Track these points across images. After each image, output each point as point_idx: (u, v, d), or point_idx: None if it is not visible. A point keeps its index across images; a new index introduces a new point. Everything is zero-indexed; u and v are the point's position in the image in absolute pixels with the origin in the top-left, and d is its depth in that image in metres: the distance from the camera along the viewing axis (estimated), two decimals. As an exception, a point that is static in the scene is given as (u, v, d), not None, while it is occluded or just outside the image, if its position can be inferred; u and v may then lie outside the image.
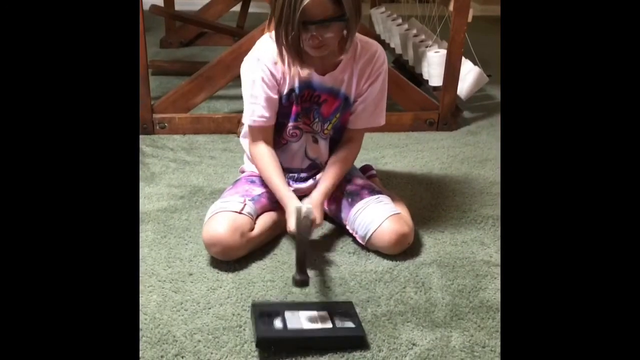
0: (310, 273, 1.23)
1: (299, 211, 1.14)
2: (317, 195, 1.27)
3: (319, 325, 1.04)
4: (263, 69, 1.23)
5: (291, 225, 1.17)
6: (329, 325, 1.05)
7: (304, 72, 1.23)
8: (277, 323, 1.03)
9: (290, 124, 1.31)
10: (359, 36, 1.25)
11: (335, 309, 1.09)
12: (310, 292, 1.17)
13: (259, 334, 1.00)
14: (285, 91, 1.26)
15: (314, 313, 1.07)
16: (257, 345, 1.01)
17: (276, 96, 1.26)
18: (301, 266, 1.12)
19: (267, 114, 1.26)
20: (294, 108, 1.28)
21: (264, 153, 1.28)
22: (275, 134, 1.33)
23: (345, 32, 1.15)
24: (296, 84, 1.25)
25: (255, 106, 1.25)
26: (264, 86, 1.24)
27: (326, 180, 1.30)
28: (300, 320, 1.05)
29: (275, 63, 1.22)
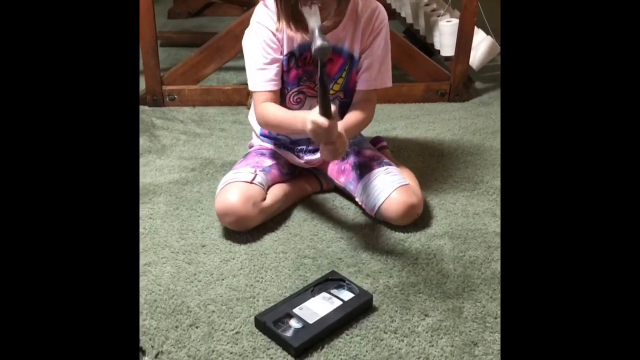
0: (322, 246, 1.24)
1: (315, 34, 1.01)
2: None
3: (332, 307, 1.04)
4: (264, 30, 1.22)
5: (312, 117, 1.08)
6: (338, 302, 1.05)
7: (299, 36, 1.22)
8: (295, 323, 1.00)
9: (293, 89, 1.30)
10: None
11: (328, 285, 1.09)
12: (322, 264, 1.18)
13: (294, 343, 0.95)
14: (286, 53, 1.25)
15: (317, 298, 1.06)
16: (297, 356, 0.96)
17: (281, 57, 1.25)
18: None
19: (275, 78, 1.25)
20: (293, 72, 1.27)
21: (270, 105, 1.26)
22: (279, 104, 1.33)
23: None
24: (296, 47, 1.24)
25: (262, 71, 1.24)
26: (268, 48, 1.23)
27: (342, 121, 1.25)
28: (314, 311, 1.03)
29: (276, 26, 1.21)
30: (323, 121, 1.07)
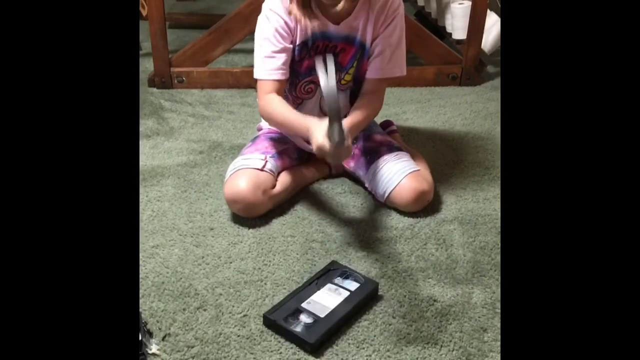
0: (330, 230, 1.23)
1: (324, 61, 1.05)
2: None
3: (340, 298, 1.02)
4: (277, 18, 1.19)
5: (318, 138, 1.08)
6: (345, 292, 1.03)
7: (315, 23, 1.19)
8: (305, 318, 0.98)
9: (305, 79, 1.28)
10: None
11: (331, 275, 1.07)
12: (331, 248, 1.17)
13: (310, 339, 0.93)
14: (298, 43, 1.23)
15: (323, 290, 1.04)
16: (313, 351, 0.94)
17: (291, 46, 1.22)
18: (337, 115, 1.03)
19: (283, 67, 1.22)
20: (306, 62, 1.25)
21: (275, 98, 1.22)
22: (290, 93, 1.31)
23: None
24: (309, 35, 1.22)
25: (271, 59, 1.21)
26: (278, 36, 1.20)
27: (348, 118, 1.23)
28: (323, 304, 1.01)
29: (289, 13, 1.19)
30: (327, 146, 1.06)
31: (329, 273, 1.08)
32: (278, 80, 1.22)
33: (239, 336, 0.96)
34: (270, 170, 1.26)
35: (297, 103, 1.33)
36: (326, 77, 1.02)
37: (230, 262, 1.13)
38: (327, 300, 1.02)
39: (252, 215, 1.24)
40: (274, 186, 1.26)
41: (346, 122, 1.15)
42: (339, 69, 1.27)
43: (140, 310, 1.01)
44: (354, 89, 1.33)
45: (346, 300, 1.02)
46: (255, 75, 1.24)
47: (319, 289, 1.04)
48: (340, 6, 1.16)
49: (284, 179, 1.30)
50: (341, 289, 1.04)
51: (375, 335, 0.97)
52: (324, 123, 1.06)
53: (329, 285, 1.05)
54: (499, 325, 1.00)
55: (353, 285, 1.05)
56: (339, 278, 1.07)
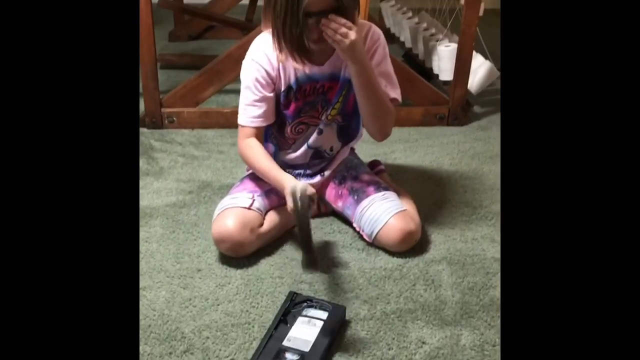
0: (319, 270, 1.23)
1: (294, 191, 1.10)
2: None
3: (317, 329, 1.02)
4: (257, 68, 1.23)
5: (290, 203, 1.13)
6: (319, 322, 1.03)
7: (301, 67, 1.21)
8: (291, 356, 0.97)
9: (294, 121, 1.30)
10: None
11: (298, 309, 1.07)
12: (319, 290, 1.17)
13: None
14: (283, 89, 1.25)
15: (297, 325, 1.03)
16: None
17: (271, 94, 1.25)
18: (307, 246, 1.10)
19: (262, 115, 1.25)
20: (293, 105, 1.27)
21: (254, 144, 1.26)
22: (281, 136, 1.33)
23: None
24: (292, 80, 1.24)
25: (251, 107, 1.25)
26: (259, 86, 1.23)
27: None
28: (303, 339, 1.00)
29: (271, 64, 1.21)
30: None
31: (294, 307, 1.07)
32: (257, 127, 1.26)
33: (225, 381, 0.95)
34: (258, 209, 1.27)
35: (290, 144, 1.34)
36: (298, 211, 1.10)
37: (218, 305, 1.12)
38: (305, 333, 1.02)
39: (239, 254, 1.24)
40: (261, 225, 1.27)
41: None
42: (327, 106, 1.29)
43: (126, 354, 0.99)
44: (342, 124, 1.34)
45: (323, 330, 1.02)
46: (238, 121, 1.28)
47: (292, 325, 1.04)
48: (325, 46, 1.18)
49: (271, 218, 1.30)
50: (314, 320, 1.04)
51: (363, 379, 0.96)
52: (294, 183, 1.12)
53: (300, 319, 1.05)
54: (488, 367, 0.99)
55: (323, 314, 1.05)
56: (306, 309, 1.07)
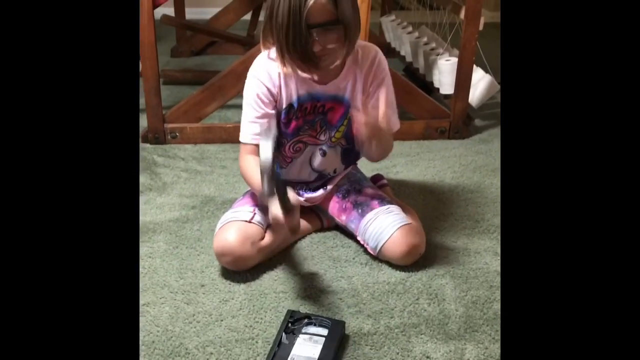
0: (322, 285, 1.23)
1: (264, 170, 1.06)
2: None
3: (319, 346, 1.02)
4: (259, 85, 1.23)
5: (272, 209, 1.09)
6: (321, 339, 1.04)
7: (303, 85, 1.22)
8: None
9: (293, 139, 1.31)
10: (357, 41, 1.25)
11: (298, 327, 1.06)
12: (323, 304, 1.17)
13: None
14: (284, 107, 1.26)
15: (300, 342, 1.03)
16: None
17: (273, 111, 1.25)
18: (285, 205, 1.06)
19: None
20: (293, 123, 1.28)
21: (253, 163, 1.24)
22: (279, 153, 1.33)
23: (346, 38, 1.13)
24: (294, 98, 1.25)
25: (253, 124, 1.25)
26: (260, 102, 1.24)
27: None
28: (307, 356, 1.00)
29: (273, 78, 1.22)
30: (280, 217, 1.08)
31: (294, 325, 1.07)
32: (257, 145, 1.25)
33: (229, 397, 0.95)
34: (259, 222, 1.27)
35: (287, 162, 1.35)
36: (265, 138, 1.06)
37: (222, 320, 1.12)
38: (308, 351, 1.02)
39: (241, 268, 1.24)
40: (262, 238, 1.27)
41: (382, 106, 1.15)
42: (329, 128, 1.30)
43: (130, 371, 0.99)
44: (346, 147, 1.35)
45: (325, 346, 1.02)
46: (240, 138, 1.28)
47: (294, 343, 1.03)
48: (333, 65, 1.19)
49: (265, 239, 1.30)
50: (315, 337, 1.04)
51: (368, 395, 0.96)
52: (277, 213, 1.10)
53: (301, 337, 1.05)
54: (492, 382, 0.99)
55: (323, 331, 1.05)
56: (306, 327, 1.07)
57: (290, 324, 1.07)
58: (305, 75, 1.21)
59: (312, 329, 1.06)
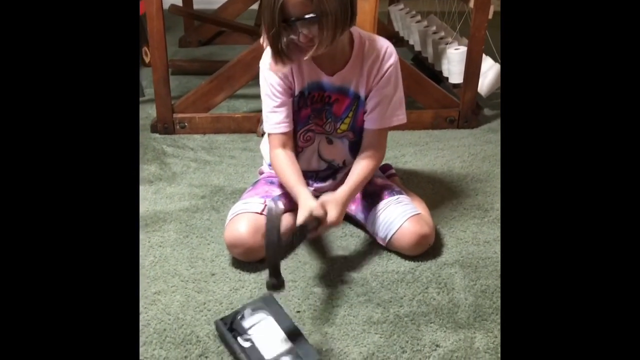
0: (332, 274, 1.23)
1: (270, 208, 1.05)
2: (339, 193, 1.22)
3: (275, 324, 1.03)
4: (271, 75, 1.23)
5: (299, 220, 1.14)
6: (269, 318, 1.04)
7: (312, 74, 1.22)
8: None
9: (303, 128, 1.31)
10: (368, 35, 1.24)
11: (239, 326, 1.04)
12: (333, 294, 1.17)
13: None
14: (296, 94, 1.26)
15: (272, 345, 1.00)
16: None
17: (290, 99, 1.25)
18: (273, 269, 1.03)
19: (285, 120, 1.25)
20: (304, 111, 1.28)
21: (282, 158, 1.27)
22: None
23: (327, 30, 1.07)
24: (305, 86, 1.25)
25: (273, 114, 1.25)
26: (276, 92, 1.24)
27: (346, 183, 1.25)
28: (275, 338, 1.00)
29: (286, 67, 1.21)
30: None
31: (235, 327, 1.04)
32: (283, 133, 1.26)
33: (240, 384, 0.96)
34: None
35: (298, 152, 1.35)
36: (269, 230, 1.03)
37: (232, 308, 1.13)
38: (270, 335, 1.02)
39: (252, 259, 1.25)
40: None
41: (345, 187, 1.23)
42: (334, 119, 1.29)
43: (142, 358, 1.00)
44: (354, 140, 1.34)
45: (278, 320, 1.03)
46: (264, 129, 1.30)
47: (253, 340, 1.01)
48: (335, 60, 1.19)
49: (283, 223, 1.30)
50: (262, 322, 1.04)
51: (378, 382, 0.97)
52: (310, 204, 1.14)
53: (251, 330, 1.03)
54: (502, 370, 0.99)
55: (262, 312, 1.05)
56: (244, 320, 1.04)
57: (231, 330, 1.03)
58: (301, 71, 1.21)
59: (252, 319, 1.04)
